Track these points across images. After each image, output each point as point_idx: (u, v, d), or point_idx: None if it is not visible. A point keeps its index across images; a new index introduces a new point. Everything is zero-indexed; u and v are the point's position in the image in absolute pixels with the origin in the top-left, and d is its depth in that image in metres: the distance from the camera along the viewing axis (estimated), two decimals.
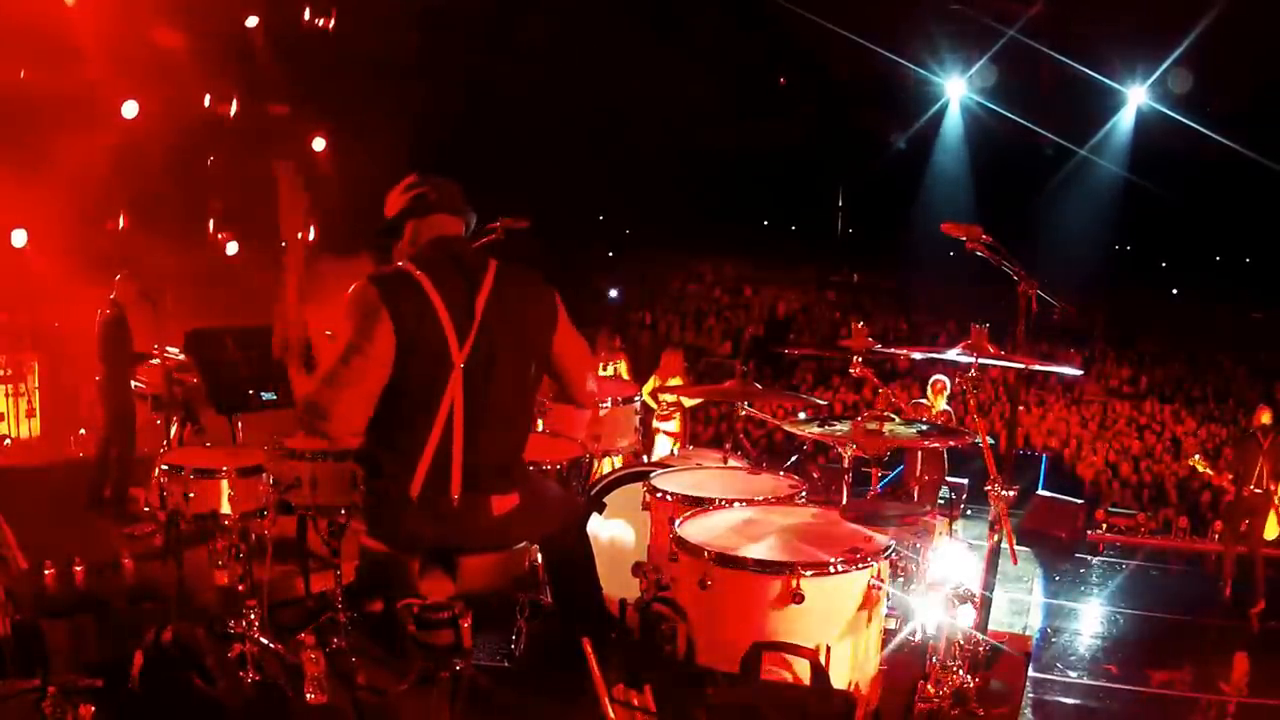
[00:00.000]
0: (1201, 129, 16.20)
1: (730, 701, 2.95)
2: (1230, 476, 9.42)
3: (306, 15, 10.78)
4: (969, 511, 9.81)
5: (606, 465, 5.17)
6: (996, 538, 3.58)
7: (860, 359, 4.24)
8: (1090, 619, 8.99)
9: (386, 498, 2.81)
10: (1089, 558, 11.09)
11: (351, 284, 2.76)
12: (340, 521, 4.04)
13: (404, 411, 2.74)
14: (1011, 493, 3.48)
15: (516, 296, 2.84)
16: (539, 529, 3.10)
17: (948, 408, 9.24)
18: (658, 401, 8.59)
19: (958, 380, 3.62)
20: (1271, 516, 9.17)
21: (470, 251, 2.91)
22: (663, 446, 8.65)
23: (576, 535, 3.30)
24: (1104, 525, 12.05)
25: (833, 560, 3.11)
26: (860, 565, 3.13)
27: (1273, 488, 9.17)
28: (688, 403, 8.58)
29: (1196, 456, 9.99)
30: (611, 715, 2.76)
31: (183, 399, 7.06)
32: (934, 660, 3.49)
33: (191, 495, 3.89)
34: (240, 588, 3.76)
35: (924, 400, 9.37)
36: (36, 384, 10.50)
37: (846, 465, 4.10)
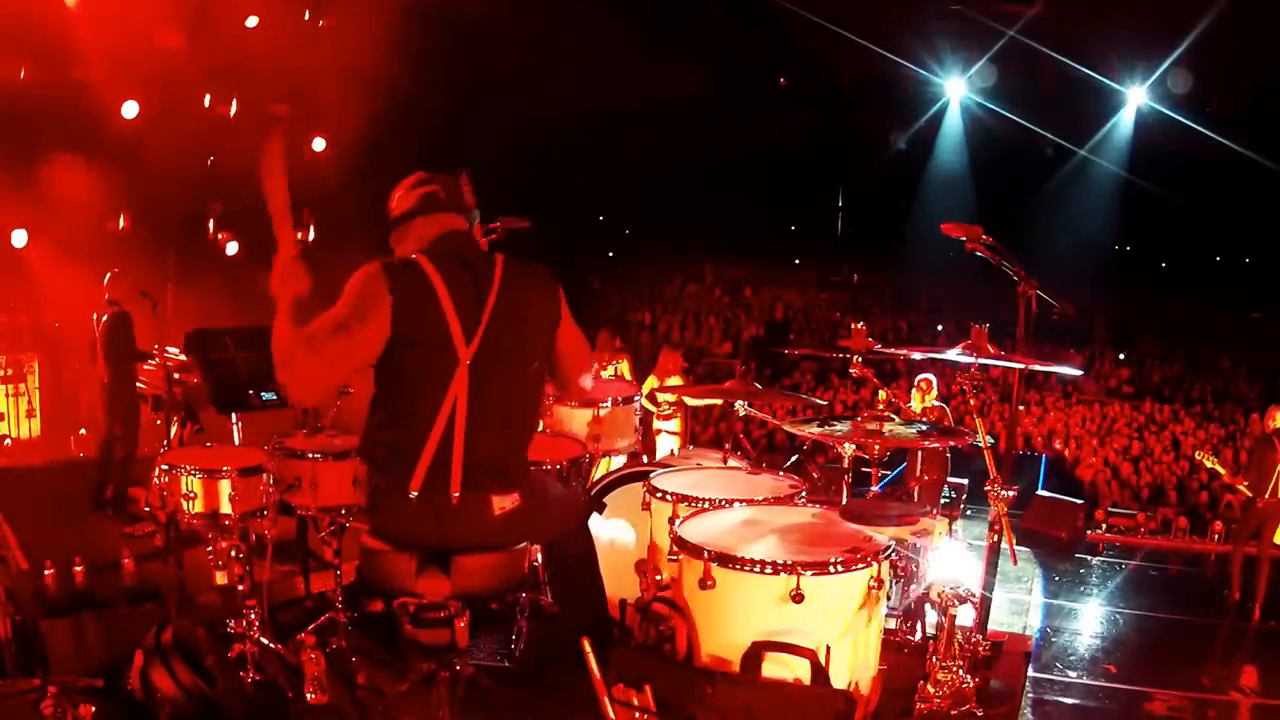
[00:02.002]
0: (1201, 129, 16.20)
1: (730, 701, 2.95)
2: (1245, 482, 9.12)
3: (307, 15, 10.78)
4: (969, 511, 9.82)
5: (603, 466, 5.16)
6: (996, 538, 3.58)
7: (860, 359, 4.24)
8: (1090, 619, 8.99)
9: (387, 495, 2.80)
10: (1089, 558, 11.09)
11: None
12: (340, 521, 4.04)
13: (407, 407, 2.74)
14: (1011, 493, 3.49)
15: (523, 293, 2.84)
16: (541, 530, 3.10)
17: (939, 404, 9.25)
18: (656, 402, 8.58)
19: (958, 379, 3.62)
20: None
21: (478, 249, 2.92)
22: (664, 446, 8.64)
23: (578, 534, 3.30)
24: (1104, 525, 12.05)
25: (833, 560, 3.11)
26: (860, 565, 3.13)
27: None
28: (690, 402, 8.57)
29: (1208, 457, 9.77)
30: (611, 715, 2.76)
31: (183, 399, 7.05)
32: (934, 660, 3.49)
33: (192, 495, 3.89)
34: (240, 588, 3.76)
35: (911, 404, 9.38)
36: (36, 384, 10.49)
37: (846, 465, 4.10)
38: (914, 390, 9.35)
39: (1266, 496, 8.90)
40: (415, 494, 2.75)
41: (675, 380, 8.93)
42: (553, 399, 4.67)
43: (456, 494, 2.76)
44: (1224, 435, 14.65)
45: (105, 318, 7.29)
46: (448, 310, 2.70)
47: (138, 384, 7.59)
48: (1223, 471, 9.56)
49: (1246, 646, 8.66)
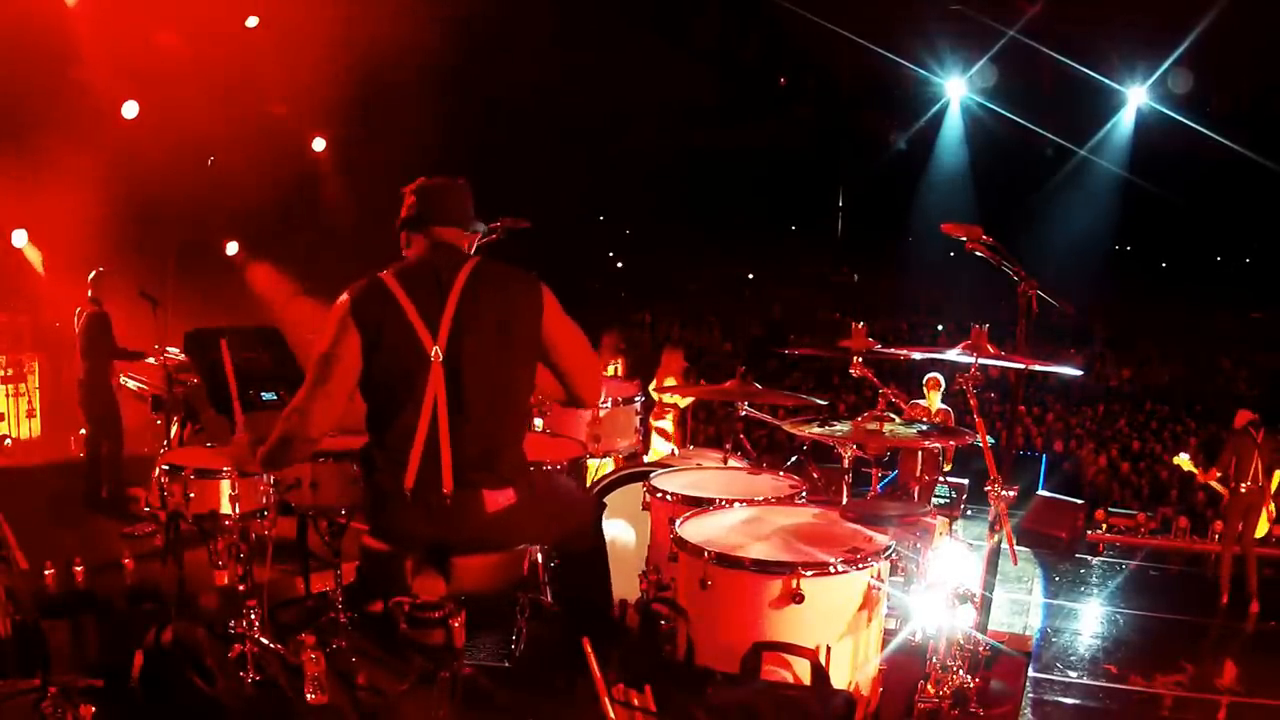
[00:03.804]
0: (1201, 129, 16.20)
1: (730, 701, 2.95)
2: (1216, 474, 9.45)
3: (306, 16, 10.77)
4: (969, 511, 9.82)
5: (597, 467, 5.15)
6: (996, 538, 3.58)
7: (860, 359, 4.24)
8: (1090, 619, 8.99)
9: (383, 493, 2.86)
10: (1089, 558, 11.09)
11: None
12: (340, 521, 4.04)
13: (390, 407, 2.84)
14: (1011, 493, 3.48)
15: (492, 291, 2.89)
16: (542, 530, 3.10)
17: (944, 405, 9.27)
18: (660, 399, 8.58)
19: (958, 380, 3.62)
20: (1262, 515, 9.24)
21: (452, 254, 2.97)
22: (660, 446, 8.63)
23: (591, 535, 3.31)
24: (1104, 525, 12.06)
25: (833, 560, 3.11)
26: (860, 565, 3.13)
27: (1266, 483, 9.23)
28: (682, 403, 8.58)
29: (1183, 455, 10.04)
30: (611, 715, 2.76)
31: (183, 399, 7.05)
32: (934, 660, 3.49)
33: (192, 495, 3.89)
34: (240, 588, 3.76)
35: (921, 401, 9.40)
36: (36, 384, 10.48)
37: (846, 465, 4.10)
38: (926, 390, 9.39)
39: (1248, 483, 9.20)
40: (409, 491, 2.81)
41: (672, 381, 8.92)
42: (563, 403, 4.67)
43: (448, 490, 2.80)
44: (1224, 437, 14.64)
45: (84, 316, 7.33)
46: (410, 314, 2.82)
47: (132, 384, 7.60)
48: (1196, 471, 9.77)
49: (1246, 646, 8.67)
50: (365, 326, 2.82)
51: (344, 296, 2.88)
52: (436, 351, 2.80)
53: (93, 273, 7.45)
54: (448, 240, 2.99)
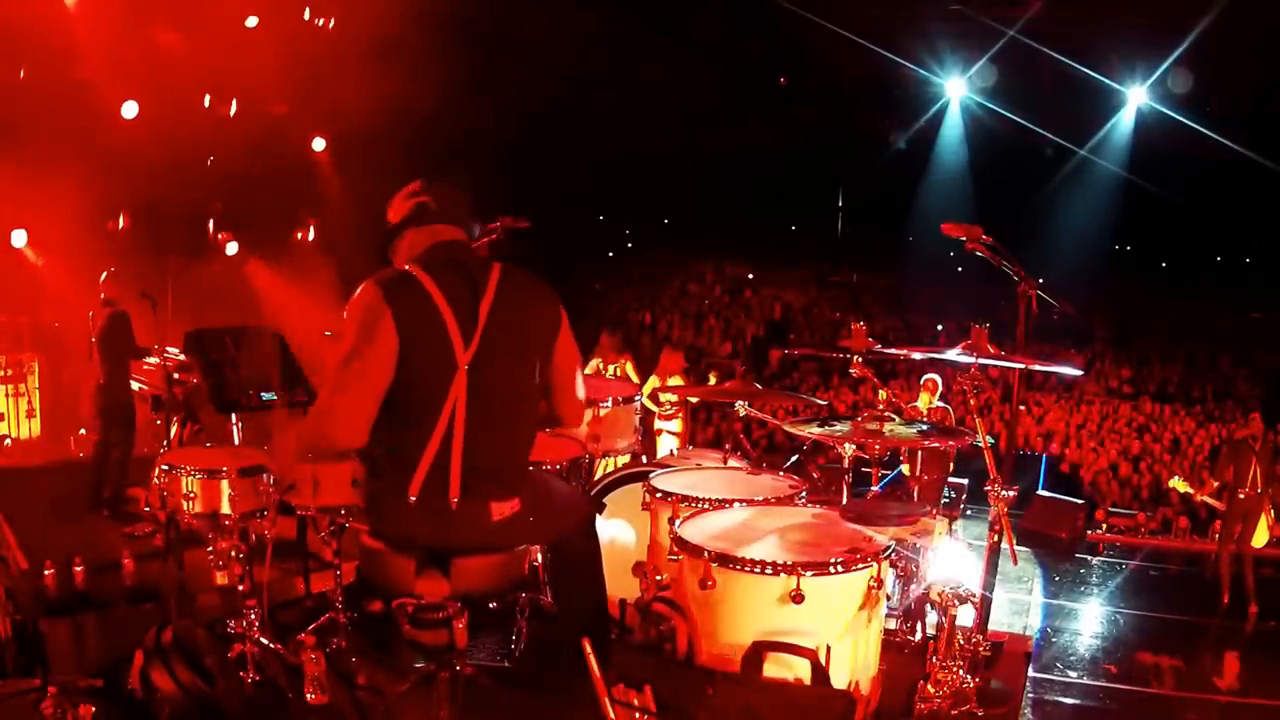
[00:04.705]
0: (1201, 129, 16.18)
1: (730, 701, 2.95)
2: (1214, 487, 9.53)
3: (307, 15, 10.77)
4: (969, 511, 9.82)
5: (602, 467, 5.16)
6: (996, 538, 3.58)
7: (860, 359, 4.25)
8: (1090, 619, 8.99)
9: (386, 498, 2.81)
10: (1089, 558, 11.10)
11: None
12: (340, 522, 4.04)
13: (407, 412, 2.74)
14: (1011, 493, 3.48)
15: (520, 300, 2.84)
16: (542, 533, 3.09)
17: (942, 404, 9.28)
18: (657, 402, 8.59)
19: (958, 380, 3.62)
20: (1262, 522, 9.24)
21: (473, 255, 2.92)
22: (665, 446, 8.64)
23: (584, 535, 3.31)
24: (1104, 525, 12.06)
25: (833, 560, 3.11)
26: (860, 565, 3.13)
27: (1266, 491, 9.23)
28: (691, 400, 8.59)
29: (1176, 479, 10.11)
30: (611, 715, 2.77)
31: (183, 399, 7.05)
32: (934, 660, 3.49)
33: (192, 495, 3.89)
34: (240, 588, 3.76)
35: (916, 403, 9.41)
36: (36, 384, 10.49)
37: (846, 465, 4.10)
38: (921, 390, 9.41)
39: (1247, 489, 9.23)
40: (413, 498, 2.74)
41: (676, 380, 8.93)
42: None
43: (455, 499, 2.75)
44: (1225, 435, 14.63)
45: (102, 317, 7.29)
46: (445, 315, 2.71)
47: (135, 384, 7.58)
48: (1191, 490, 9.83)
49: (1245, 646, 8.67)
50: (401, 320, 2.66)
51: (372, 287, 2.70)
52: (463, 359, 2.71)
53: (104, 274, 7.41)
54: (451, 239, 2.90)
